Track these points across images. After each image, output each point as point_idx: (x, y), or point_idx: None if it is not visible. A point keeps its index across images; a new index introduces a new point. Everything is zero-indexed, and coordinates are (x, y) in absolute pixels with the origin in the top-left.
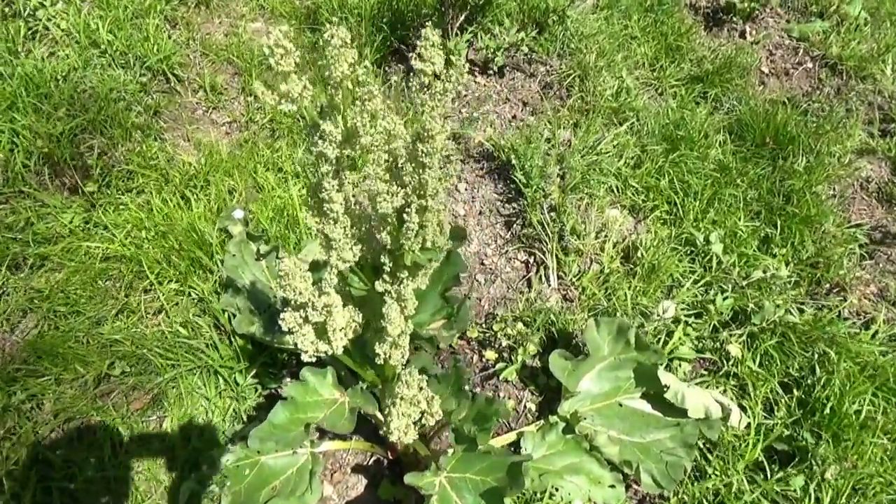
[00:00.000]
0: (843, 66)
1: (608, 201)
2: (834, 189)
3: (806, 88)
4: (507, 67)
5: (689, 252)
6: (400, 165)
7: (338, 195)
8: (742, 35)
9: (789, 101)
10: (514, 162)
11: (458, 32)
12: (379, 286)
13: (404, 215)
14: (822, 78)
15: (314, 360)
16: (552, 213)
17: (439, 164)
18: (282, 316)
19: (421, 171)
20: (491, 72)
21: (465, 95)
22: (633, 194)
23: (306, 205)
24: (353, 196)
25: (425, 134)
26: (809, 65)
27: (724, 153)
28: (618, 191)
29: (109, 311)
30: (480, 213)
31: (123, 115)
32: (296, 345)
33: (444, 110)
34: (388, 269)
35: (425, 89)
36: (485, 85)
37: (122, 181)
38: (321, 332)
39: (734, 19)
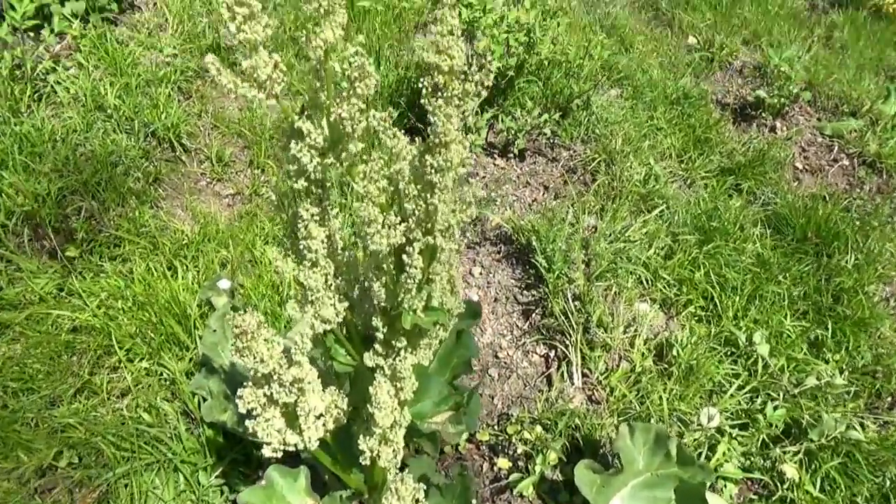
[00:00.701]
0: (882, 164)
1: (637, 293)
2: (887, 290)
3: (844, 185)
4: (529, 151)
5: (729, 353)
6: (402, 188)
7: (318, 230)
8: (772, 130)
9: (830, 197)
10: (534, 245)
11: (479, 112)
12: (368, 359)
13: (404, 257)
14: (861, 175)
15: (280, 454)
16: (576, 303)
17: (454, 185)
18: (239, 392)
19: (429, 194)
20: (511, 155)
21: (483, 177)
22: (664, 287)
23: (279, 245)
24: (342, 239)
25: (436, 141)
26: (846, 162)
27: (763, 247)
28: (647, 282)
29: (68, 390)
30: (496, 300)
31: (120, 179)
32: (254, 433)
33: (463, 117)
34: (382, 336)
35: (439, 92)
36: (503, 168)
37: (108, 248)
38: (292, 417)
39: (763, 115)
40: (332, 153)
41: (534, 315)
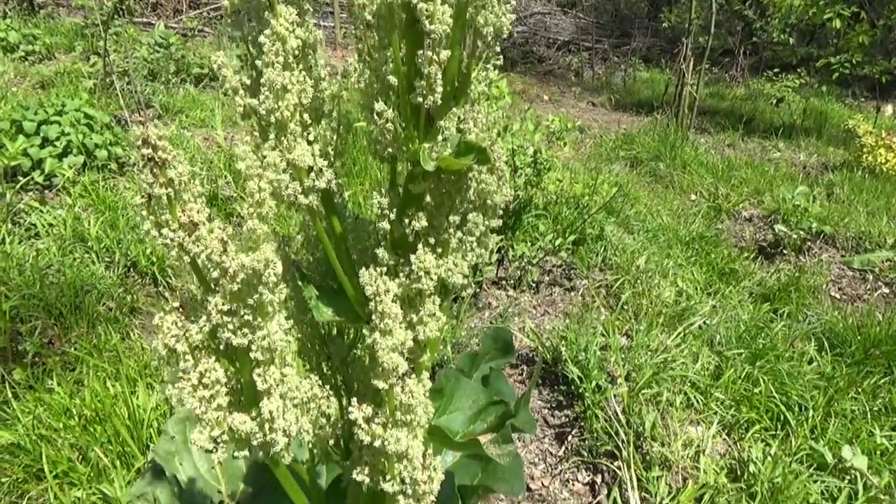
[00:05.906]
0: None
1: (688, 416)
2: None
3: (889, 313)
4: (544, 283)
5: (817, 471)
6: None
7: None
8: (797, 266)
9: (883, 316)
10: (564, 354)
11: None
12: (367, 280)
13: (420, 5)
14: None
15: (218, 452)
16: (623, 415)
17: None
18: (156, 318)
19: None
20: (525, 287)
21: (496, 307)
22: (718, 407)
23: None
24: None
25: None
26: (885, 290)
27: (824, 362)
28: (699, 403)
29: None
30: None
31: (90, 305)
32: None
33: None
34: (387, 216)
35: None
36: (517, 299)
37: (61, 369)
38: (249, 390)
39: (784, 251)
40: None
41: (570, 437)
